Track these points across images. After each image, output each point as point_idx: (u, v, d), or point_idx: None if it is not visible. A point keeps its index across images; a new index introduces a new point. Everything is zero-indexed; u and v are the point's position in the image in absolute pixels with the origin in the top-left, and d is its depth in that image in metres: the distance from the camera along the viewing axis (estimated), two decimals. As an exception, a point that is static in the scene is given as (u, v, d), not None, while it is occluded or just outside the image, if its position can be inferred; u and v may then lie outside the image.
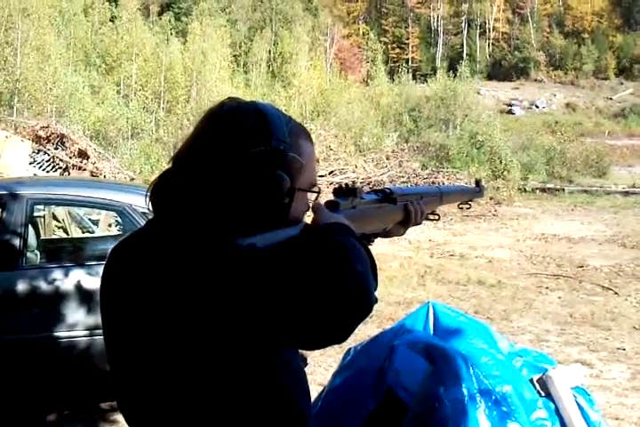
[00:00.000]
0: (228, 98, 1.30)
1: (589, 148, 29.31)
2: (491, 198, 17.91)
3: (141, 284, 1.16)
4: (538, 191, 21.36)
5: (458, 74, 37.53)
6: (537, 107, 54.48)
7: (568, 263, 9.94)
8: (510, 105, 53.51)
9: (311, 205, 1.29)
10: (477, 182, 2.08)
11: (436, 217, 1.76)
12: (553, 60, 63.55)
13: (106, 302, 1.24)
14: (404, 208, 1.58)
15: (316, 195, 1.30)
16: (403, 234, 1.64)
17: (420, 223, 1.63)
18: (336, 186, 1.41)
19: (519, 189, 20.45)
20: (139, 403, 1.21)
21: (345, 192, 1.40)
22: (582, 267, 9.70)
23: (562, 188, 22.31)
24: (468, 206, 2.02)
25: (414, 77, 52.34)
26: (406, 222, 1.60)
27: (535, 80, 61.09)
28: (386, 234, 1.60)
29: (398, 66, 51.79)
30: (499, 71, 62.88)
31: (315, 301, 1.08)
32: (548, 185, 22.81)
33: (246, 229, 1.16)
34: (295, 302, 1.07)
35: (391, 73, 48.90)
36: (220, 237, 1.14)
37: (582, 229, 13.75)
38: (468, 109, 34.35)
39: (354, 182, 1.46)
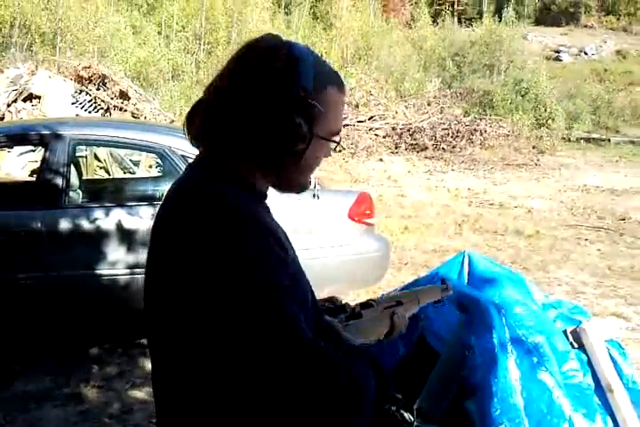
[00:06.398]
0: (269, 34, 1.29)
1: (639, 97, 28.45)
2: (533, 147, 17.59)
3: (157, 231, 1.22)
4: (582, 141, 20.90)
5: (504, 18, 36.32)
6: (586, 54, 52.59)
7: (609, 215, 9.79)
8: (558, 51, 51.71)
9: None
10: (442, 281, 1.87)
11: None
12: (605, 5, 60.85)
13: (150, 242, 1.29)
14: (389, 318, 1.50)
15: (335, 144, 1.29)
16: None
17: (403, 332, 1.56)
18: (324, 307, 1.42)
19: (563, 138, 20.04)
20: (152, 345, 1.26)
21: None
22: (624, 219, 9.54)
23: (607, 138, 21.79)
24: (443, 304, 1.85)
25: (459, 21, 50.77)
26: (390, 333, 1.51)
27: (585, 26, 58.76)
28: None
29: (443, 9, 50.30)
30: (547, 16, 60.54)
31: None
32: (594, 135, 22.30)
33: (259, 169, 1.23)
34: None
35: (435, 16, 47.52)
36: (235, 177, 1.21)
37: (626, 181, 13.48)
38: (513, 55, 33.38)
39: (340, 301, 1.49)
